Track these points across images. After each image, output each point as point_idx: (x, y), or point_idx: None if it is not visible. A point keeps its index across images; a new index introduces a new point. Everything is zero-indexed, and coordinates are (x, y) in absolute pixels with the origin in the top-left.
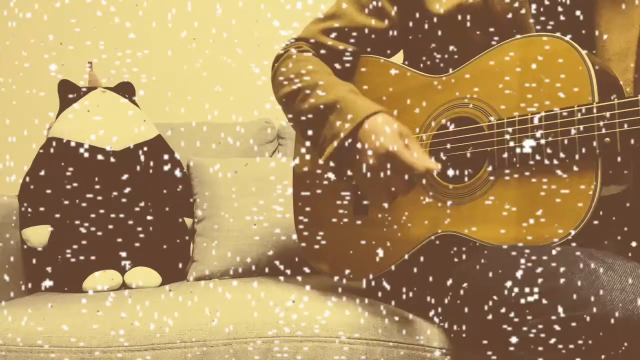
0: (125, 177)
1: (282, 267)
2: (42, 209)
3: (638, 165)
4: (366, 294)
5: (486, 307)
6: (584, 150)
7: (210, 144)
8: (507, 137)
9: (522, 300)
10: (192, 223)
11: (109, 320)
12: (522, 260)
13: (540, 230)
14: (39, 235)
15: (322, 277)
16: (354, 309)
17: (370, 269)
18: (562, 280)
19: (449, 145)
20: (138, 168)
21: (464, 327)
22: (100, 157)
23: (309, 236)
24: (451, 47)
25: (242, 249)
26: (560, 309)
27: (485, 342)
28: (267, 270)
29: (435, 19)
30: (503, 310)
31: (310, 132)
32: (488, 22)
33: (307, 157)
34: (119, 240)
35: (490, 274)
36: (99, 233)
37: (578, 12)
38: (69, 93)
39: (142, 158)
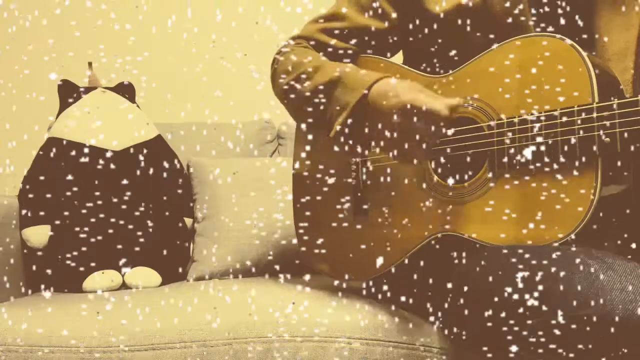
0: (125, 177)
1: (282, 267)
2: (42, 209)
3: (638, 166)
4: (366, 294)
5: (486, 310)
6: (584, 150)
7: (210, 144)
8: (507, 137)
9: (522, 303)
10: (192, 223)
11: (109, 321)
12: (522, 262)
13: (540, 230)
14: (39, 235)
15: (322, 277)
16: (354, 310)
17: (370, 270)
18: (561, 281)
19: (448, 146)
20: (138, 168)
21: (464, 331)
22: (100, 157)
23: (309, 237)
24: (451, 48)
25: (242, 249)
26: (560, 309)
27: (485, 344)
28: (267, 270)
29: (434, 20)
30: (503, 313)
31: (316, 114)
32: (487, 22)
33: (308, 154)
34: (119, 240)
35: (490, 278)
36: (99, 233)
37: (577, 13)
38: (69, 93)
39: (142, 158)
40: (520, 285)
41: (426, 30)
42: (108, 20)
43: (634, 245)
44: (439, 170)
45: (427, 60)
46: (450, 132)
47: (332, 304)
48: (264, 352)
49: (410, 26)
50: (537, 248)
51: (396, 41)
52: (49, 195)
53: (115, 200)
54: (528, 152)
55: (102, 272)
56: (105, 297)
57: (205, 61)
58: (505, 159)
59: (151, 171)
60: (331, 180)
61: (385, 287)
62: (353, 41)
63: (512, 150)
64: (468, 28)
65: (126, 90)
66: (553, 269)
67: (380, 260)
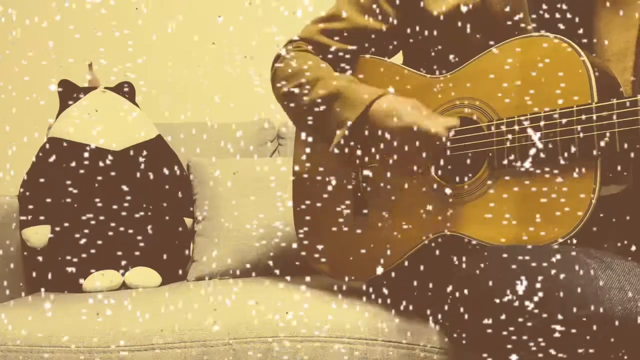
0: (125, 177)
1: (282, 268)
2: (42, 209)
3: (638, 166)
4: (366, 294)
5: (486, 314)
6: (583, 150)
7: (210, 144)
8: (506, 137)
9: (522, 307)
10: (192, 223)
11: (109, 321)
12: (522, 265)
13: (539, 230)
14: (39, 235)
15: (322, 277)
16: (354, 310)
17: (370, 271)
18: (561, 282)
19: (448, 147)
20: (138, 168)
21: (464, 335)
22: (100, 157)
23: (309, 237)
24: (450, 49)
25: (242, 249)
26: (559, 312)
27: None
28: (267, 270)
29: (434, 21)
30: (503, 317)
31: (315, 125)
32: (487, 22)
33: (308, 156)
34: (119, 240)
35: (491, 282)
36: (99, 233)
37: (577, 13)
38: (69, 93)
39: (142, 158)
40: (521, 289)
41: (426, 31)
42: (108, 24)
43: (633, 248)
44: (439, 170)
45: (427, 60)
46: (451, 133)
47: (332, 304)
48: (264, 352)
49: (410, 27)
50: (537, 249)
51: (396, 42)
52: (49, 196)
53: (115, 200)
54: (527, 153)
55: (102, 273)
56: (105, 297)
57: (205, 63)
58: (505, 160)
59: (151, 171)
60: (331, 182)
61: (385, 288)
62: (353, 42)
63: (511, 151)
64: (468, 29)
65: (126, 91)
66: (553, 271)
67: (380, 261)
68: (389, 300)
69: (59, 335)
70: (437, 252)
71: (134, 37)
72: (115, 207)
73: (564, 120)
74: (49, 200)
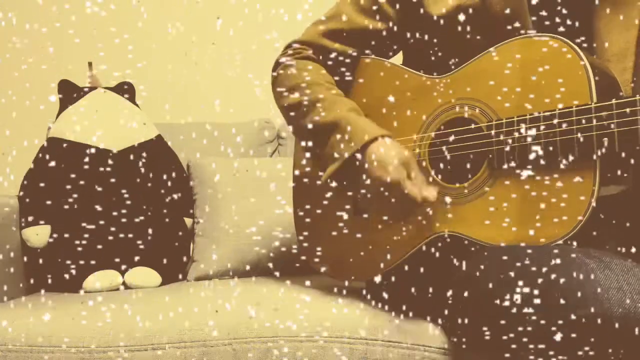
0: (125, 177)
1: (282, 268)
2: (42, 209)
3: (637, 166)
4: (366, 295)
5: (486, 318)
6: (582, 150)
7: (210, 144)
8: (506, 137)
9: (522, 310)
10: (192, 223)
11: (109, 321)
12: (522, 267)
13: (538, 230)
14: (39, 235)
15: (323, 277)
16: (354, 310)
17: (371, 270)
18: (560, 282)
19: (448, 146)
20: (138, 168)
21: (464, 338)
22: (100, 157)
23: (310, 237)
24: (451, 49)
25: (242, 249)
26: (558, 311)
27: (486, 352)
28: (266, 270)
29: (434, 21)
30: (503, 321)
31: (311, 147)
32: (487, 23)
33: (308, 160)
34: (119, 240)
35: (490, 284)
36: (99, 233)
37: (577, 13)
38: (69, 93)
39: (142, 158)
40: (520, 291)
41: (426, 32)
42: (108, 28)
43: (633, 250)
44: (439, 170)
45: (427, 60)
46: (449, 133)
47: (332, 304)
48: (264, 351)
49: (410, 28)
50: (536, 250)
51: (396, 42)
52: (49, 196)
53: (115, 200)
54: (527, 153)
55: (102, 272)
56: (105, 297)
57: (205, 64)
58: (505, 160)
59: (151, 171)
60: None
61: (385, 288)
62: (354, 44)
63: (511, 151)
64: (468, 31)
65: (126, 91)
66: (552, 273)
67: (380, 261)
68: (389, 301)
69: (59, 336)
70: (437, 252)
71: (134, 40)
72: (115, 207)
73: (563, 121)
74: (49, 200)
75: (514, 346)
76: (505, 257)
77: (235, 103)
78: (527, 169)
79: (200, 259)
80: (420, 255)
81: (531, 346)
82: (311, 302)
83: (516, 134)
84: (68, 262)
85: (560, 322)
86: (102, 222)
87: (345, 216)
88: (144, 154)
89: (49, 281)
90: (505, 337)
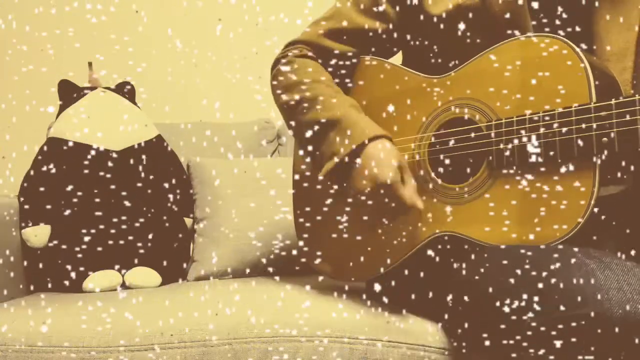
0: (125, 177)
1: (282, 268)
2: (41, 209)
3: (637, 165)
4: (366, 295)
5: (486, 322)
6: (582, 150)
7: (210, 144)
8: (505, 137)
9: (522, 314)
10: (192, 223)
11: (109, 321)
12: (521, 269)
13: (538, 230)
14: (39, 235)
15: (323, 277)
16: (354, 310)
17: (371, 270)
18: (560, 280)
19: (447, 147)
20: (138, 168)
21: (464, 343)
22: (100, 157)
23: (310, 238)
24: (450, 49)
25: (242, 249)
26: (558, 313)
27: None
28: (266, 271)
29: (434, 21)
30: (503, 322)
31: (309, 146)
32: (486, 23)
33: (307, 160)
34: (119, 240)
35: (490, 290)
36: (99, 233)
37: (576, 13)
38: (69, 93)
39: (142, 158)
40: (520, 295)
41: (426, 32)
42: (108, 31)
43: (633, 253)
44: (439, 170)
45: (427, 60)
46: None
47: (332, 304)
48: (264, 351)
49: (410, 28)
50: (536, 251)
51: (396, 42)
52: (48, 196)
53: (115, 200)
54: (526, 153)
55: (102, 273)
56: (105, 296)
57: (205, 65)
58: (504, 160)
59: (151, 171)
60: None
61: (385, 288)
62: (354, 44)
63: (510, 151)
64: (467, 31)
65: (126, 91)
66: (553, 280)
67: (380, 261)
68: (389, 300)
69: (59, 337)
70: (437, 252)
71: (134, 44)
72: (115, 207)
73: (563, 121)
74: (48, 200)
75: (514, 353)
76: (505, 261)
77: (236, 101)
78: (527, 170)
79: (200, 259)
80: (420, 255)
81: (531, 351)
82: (311, 302)
83: (516, 134)
84: (68, 262)
85: (560, 326)
86: (102, 222)
87: (345, 217)
88: (144, 154)
89: (49, 281)
90: (505, 342)
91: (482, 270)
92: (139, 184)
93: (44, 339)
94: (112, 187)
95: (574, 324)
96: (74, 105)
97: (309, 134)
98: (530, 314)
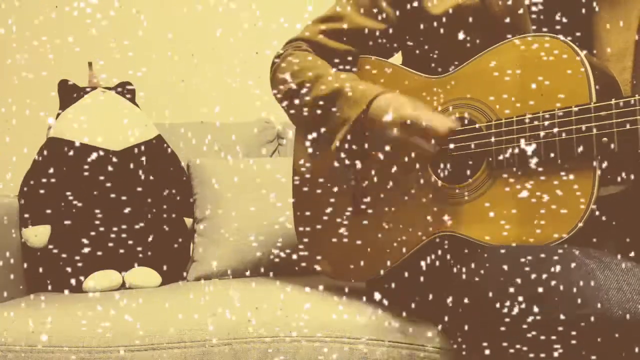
0: (125, 177)
1: (282, 267)
2: (41, 209)
3: (637, 165)
4: (367, 295)
5: (486, 323)
6: (581, 150)
7: (210, 144)
8: (505, 137)
9: (522, 316)
10: (192, 223)
11: (109, 321)
12: (522, 274)
13: (538, 230)
14: (39, 235)
15: (322, 277)
16: (355, 310)
17: (371, 271)
18: (559, 282)
19: (447, 146)
20: (138, 168)
21: (464, 345)
22: (100, 157)
23: (310, 238)
24: (450, 49)
25: (242, 249)
26: (558, 314)
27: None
28: (266, 271)
29: (433, 21)
30: (503, 325)
31: (316, 124)
32: (486, 23)
33: (307, 158)
34: (119, 240)
35: (490, 293)
36: (99, 233)
37: (576, 13)
38: (68, 93)
39: (142, 158)
40: (520, 298)
41: (425, 32)
42: (108, 35)
43: (632, 254)
44: (438, 170)
45: (426, 60)
46: (451, 146)
47: (333, 304)
48: (264, 351)
49: (410, 28)
50: (536, 253)
51: (396, 42)
52: (48, 196)
53: (115, 200)
54: (526, 153)
55: (102, 272)
56: (105, 297)
57: (205, 65)
58: (503, 160)
59: (151, 171)
60: (331, 182)
61: (386, 289)
62: (353, 43)
63: (510, 151)
64: (467, 31)
65: (126, 91)
66: (553, 283)
67: (380, 262)
68: (389, 300)
69: (58, 335)
70: (436, 252)
71: (134, 47)
72: (115, 207)
73: (562, 121)
74: (48, 200)
75: (514, 354)
76: (504, 264)
77: (236, 101)
78: (527, 170)
79: (200, 259)
80: (420, 255)
81: (531, 355)
82: (312, 302)
83: (515, 134)
84: (68, 263)
85: (560, 328)
86: (101, 223)
87: (345, 217)
88: (144, 154)
89: (49, 281)
90: (505, 344)
91: (482, 272)
92: (139, 184)
93: (44, 338)
94: (112, 186)
95: (573, 325)
96: (74, 106)
97: (314, 111)
98: (531, 318)
